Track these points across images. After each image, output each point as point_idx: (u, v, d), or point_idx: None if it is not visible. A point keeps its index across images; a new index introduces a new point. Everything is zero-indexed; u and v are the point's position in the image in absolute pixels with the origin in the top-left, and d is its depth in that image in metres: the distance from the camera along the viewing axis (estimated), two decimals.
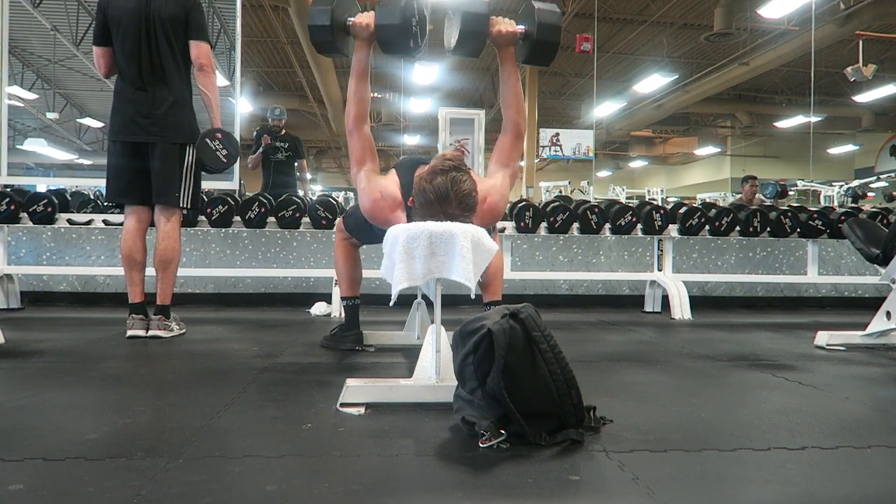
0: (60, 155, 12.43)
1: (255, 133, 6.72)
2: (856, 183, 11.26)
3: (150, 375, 2.41)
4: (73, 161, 13.01)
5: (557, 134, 14.58)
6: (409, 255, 1.88)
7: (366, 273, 4.44)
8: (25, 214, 4.20)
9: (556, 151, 14.40)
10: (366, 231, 2.67)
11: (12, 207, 4.15)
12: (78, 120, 12.28)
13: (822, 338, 3.18)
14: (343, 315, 3.01)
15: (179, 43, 3.20)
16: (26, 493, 1.26)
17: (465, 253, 1.85)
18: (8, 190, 4.40)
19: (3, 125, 4.46)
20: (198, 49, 3.22)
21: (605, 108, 17.09)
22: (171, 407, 1.93)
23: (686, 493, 1.32)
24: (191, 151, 3.26)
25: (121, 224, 3.98)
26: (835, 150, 21.85)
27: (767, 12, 10.67)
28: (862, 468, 1.49)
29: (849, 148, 21.75)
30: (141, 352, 2.85)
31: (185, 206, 3.27)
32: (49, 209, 4.19)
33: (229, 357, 2.73)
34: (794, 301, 5.21)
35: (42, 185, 8.03)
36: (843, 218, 4.52)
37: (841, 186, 11.29)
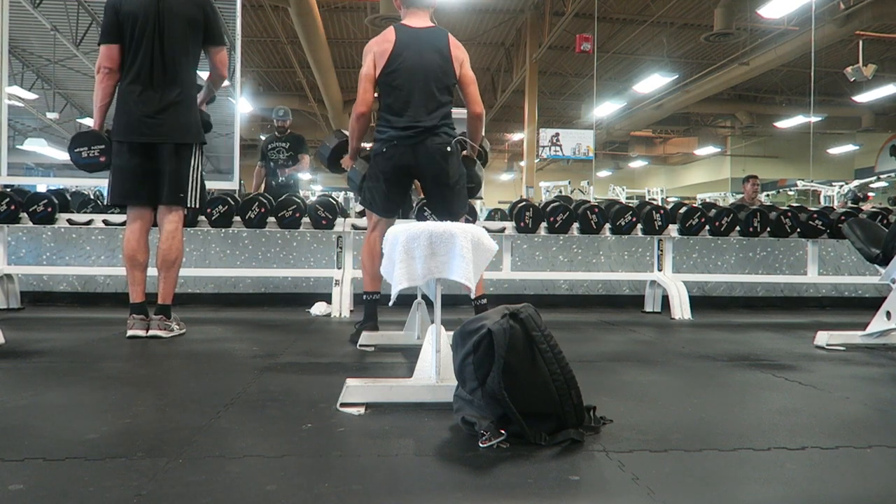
0: (60, 155, 12.43)
1: (265, 140, 6.67)
2: (855, 184, 11.28)
3: (150, 375, 2.41)
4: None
5: (557, 134, 14.59)
6: (409, 255, 1.88)
7: None
8: (25, 214, 4.20)
9: (556, 151, 14.40)
10: (379, 189, 3.10)
11: (12, 207, 4.15)
12: (78, 120, 12.25)
13: (822, 338, 3.18)
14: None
15: (192, 43, 3.18)
16: (26, 492, 1.26)
17: (465, 253, 1.85)
18: (8, 190, 4.40)
19: (3, 125, 4.46)
20: (220, 56, 3.27)
21: (605, 108, 17.09)
22: (171, 407, 1.93)
23: (686, 493, 1.32)
24: (197, 152, 3.25)
25: (121, 224, 3.99)
26: (835, 150, 21.85)
27: (767, 12, 10.67)
28: (862, 468, 1.49)
29: (849, 148, 21.76)
30: (141, 352, 2.85)
31: (193, 205, 3.26)
32: (49, 209, 4.19)
33: (229, 357, 2.74)
34: (793, 301, 5.22)
35: (42, 185, 8.04)
36: (843, 218, 4.52)
37: (841, 187, 11.31)
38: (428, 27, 3.09)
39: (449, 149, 3.03)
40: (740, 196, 9.11)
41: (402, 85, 2.99)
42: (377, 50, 3.01)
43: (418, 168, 3.04)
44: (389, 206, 3.17)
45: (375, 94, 3.08)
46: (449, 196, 3.12)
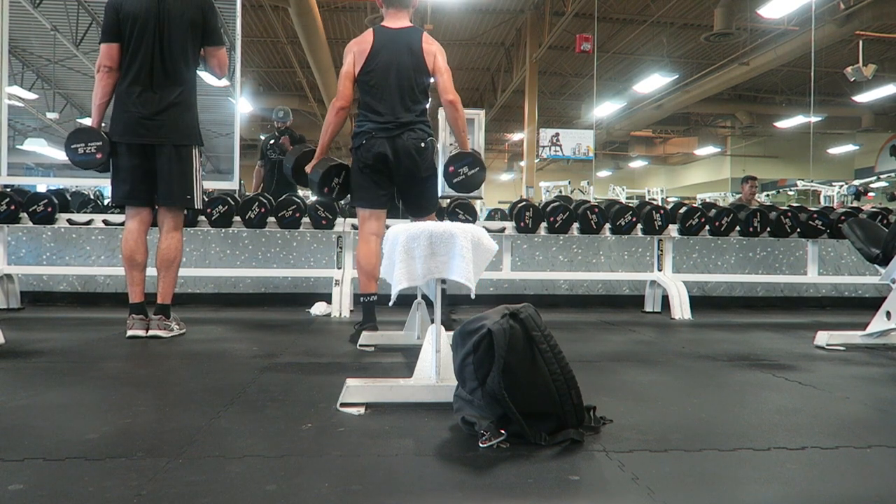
0: (60, 155, 12.43)
1: (265, 140, 6.70)
2: (856, 183, 11.30)
3: (150, 375, 2.41)
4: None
5: (557, 134, 14.60)
6: (409, 255, 1.88)
7: None
8: (25, 214, 4.20)
9: (555, 151, 14.42)
10: (364, 182, 3.22)
11: (12, 207, 4.15)
12: (78, 120, 12.23)
13: (822, 338, 3.18)
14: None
15: (192, 44, 3.19)
16: (26, 492, 1.26)
17: (464, 253, 1.85)
18: (8, 190, 4.40)
19: (4, 125, 4.46)
20: (220, 56, 3.30)
21: (606, 108, 17.10)
22: (171, 407, 1.93)
23: (686, 493, 1.32)
24: (196, 153, 3.26)
25: (121, 224, 3.99)
26: (835, 150, 21.87)
27: (767, 12, 10.68)
28: (862, 468, 1.49)
29: (849, 148, 21.77)
30: (141, 352, 2.85)
31: (199, 206, 3.29)
32: (49, 209, 4.19)
33: (229, 357, 2.74)
34: (793, 301, 5.22)
35: (42, 185, 8.03)
36: (843, 218, 4.52)
37: (841, 186, 11.32)
38: (405, 28, 3.24)
39: (423, 144, 3.17)
40: (738, 196, 9.11)
41: (378, 83, 3.13)
42: (356, 50, 3.18)
43: (394, 161, 3.15)
44: (376, 196, 3.26)
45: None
46: (420, 190, 3.28)
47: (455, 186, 3.34)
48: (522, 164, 17.40)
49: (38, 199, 4.23)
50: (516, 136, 22.51)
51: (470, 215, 4.38)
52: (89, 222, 4.30)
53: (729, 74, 14.52)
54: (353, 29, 13.94)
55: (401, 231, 1.92)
